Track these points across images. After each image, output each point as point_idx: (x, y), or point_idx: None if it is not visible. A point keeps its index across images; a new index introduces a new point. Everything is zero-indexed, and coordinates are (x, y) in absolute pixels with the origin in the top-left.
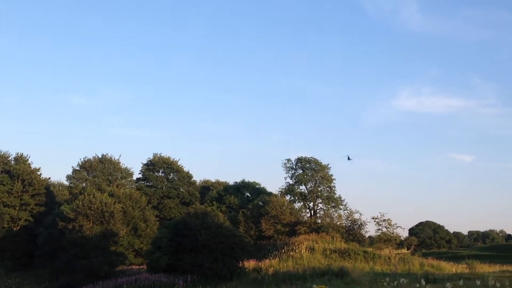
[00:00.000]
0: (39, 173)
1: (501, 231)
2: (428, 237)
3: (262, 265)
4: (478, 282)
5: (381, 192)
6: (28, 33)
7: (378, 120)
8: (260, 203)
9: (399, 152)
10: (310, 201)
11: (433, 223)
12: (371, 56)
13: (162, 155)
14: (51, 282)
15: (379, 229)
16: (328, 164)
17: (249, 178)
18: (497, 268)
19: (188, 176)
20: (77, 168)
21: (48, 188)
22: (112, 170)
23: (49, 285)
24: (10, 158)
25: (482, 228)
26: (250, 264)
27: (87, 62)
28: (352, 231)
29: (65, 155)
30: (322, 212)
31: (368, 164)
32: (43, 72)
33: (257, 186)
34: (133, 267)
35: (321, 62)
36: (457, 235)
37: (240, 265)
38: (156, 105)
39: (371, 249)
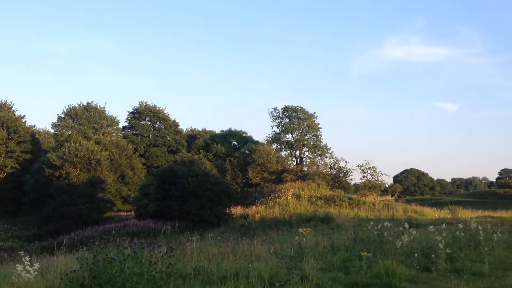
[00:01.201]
0: (24, 120)
1: (484, 178)
2: (412, 184)
3: (249, 212)
4: (460, 226)
5: (366, 141)
6: None
7: (364, 69)
8: (247, 151)
9: (385, 101)
10: (297, 150)
11: (417, 170)
12: (358, 4)
13: (148, 103)
14: (39, 228)
15: (364, 177)
16: (314, 113)
17: (236, 127)
18: (479, 213)
19: (175, 124)
20: (62, 116)
21: (33, 136)
22: (97, 118)
23: (38, 231)
24: None
25: (465, 176)
26: (237, 210)
27: (71, 9)
28: (337, 179)
29: (49, 103)
30: (308, 160)
31: (354, 113)
32: (26, 19)
33: (243, 134)
34: (121, 213)
35: (305, 11)
36: (440, 182)
37: (227, 211)
38: (141, 53)
39: (356, 196)
